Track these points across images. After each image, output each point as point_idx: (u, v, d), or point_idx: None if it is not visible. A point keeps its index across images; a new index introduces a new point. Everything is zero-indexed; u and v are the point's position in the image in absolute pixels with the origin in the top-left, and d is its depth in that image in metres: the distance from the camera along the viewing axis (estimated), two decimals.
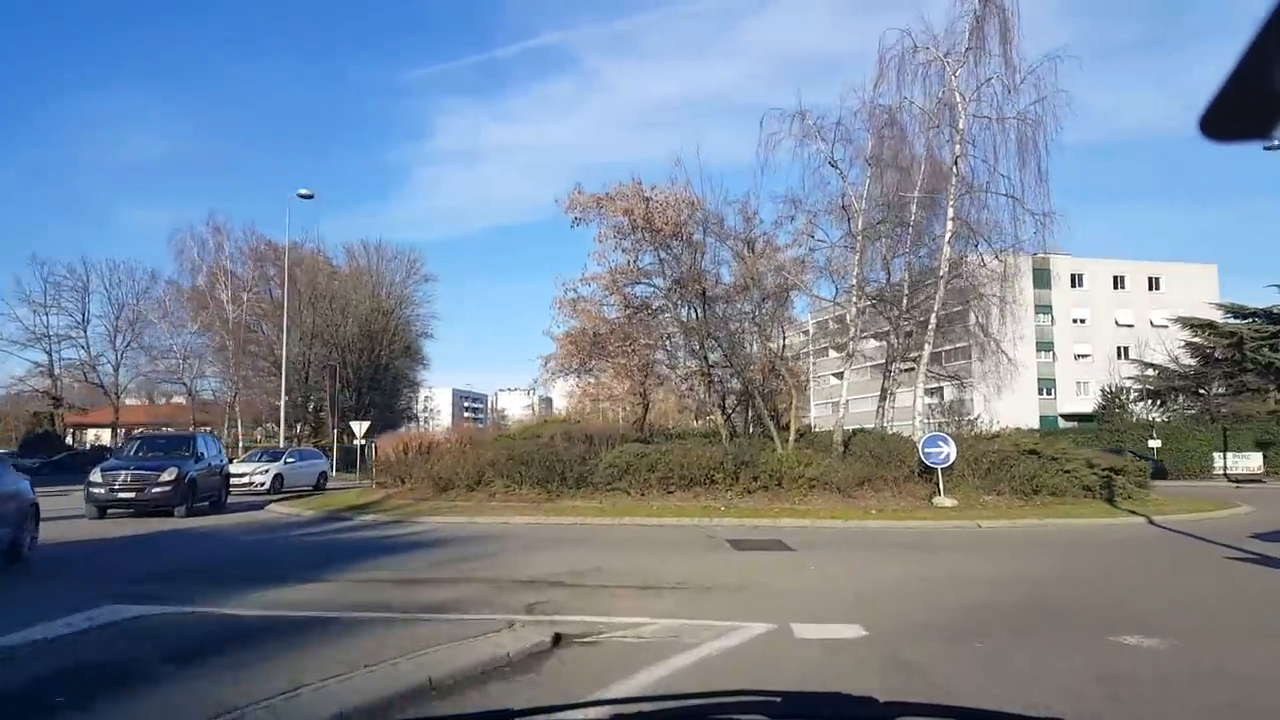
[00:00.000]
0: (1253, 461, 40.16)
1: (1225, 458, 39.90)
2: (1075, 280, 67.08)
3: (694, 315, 23.48)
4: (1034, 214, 20.98)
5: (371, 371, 55.95)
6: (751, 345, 24.96)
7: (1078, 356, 66.45)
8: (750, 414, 25.11)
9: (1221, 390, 45.41)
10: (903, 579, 10.06)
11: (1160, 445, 39.24)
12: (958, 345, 28.21)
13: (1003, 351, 24.62)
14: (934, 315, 21.52)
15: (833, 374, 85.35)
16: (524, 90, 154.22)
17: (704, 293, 22.77)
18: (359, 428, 31.44)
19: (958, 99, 20.78)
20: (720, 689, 1.97)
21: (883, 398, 32.24)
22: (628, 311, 22.75)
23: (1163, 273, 67.95)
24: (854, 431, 27.28)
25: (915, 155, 22.01)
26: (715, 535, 14.63)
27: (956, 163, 20.44)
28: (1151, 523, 17.44)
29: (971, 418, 38.66)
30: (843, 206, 22.22)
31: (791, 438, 23.03)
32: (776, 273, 24.30)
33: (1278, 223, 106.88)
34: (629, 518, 17.22)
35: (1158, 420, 45.60)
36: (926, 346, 21.96)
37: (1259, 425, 40.53)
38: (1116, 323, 66.29)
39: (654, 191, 21.69)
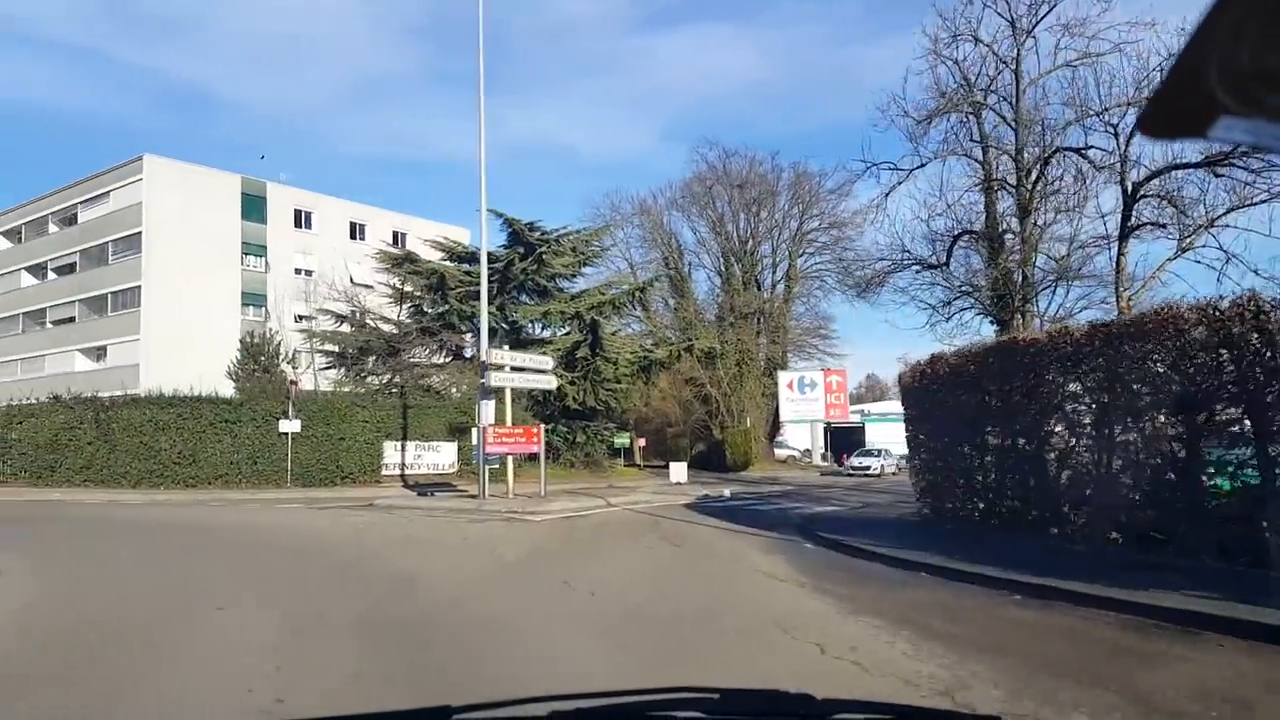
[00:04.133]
0: (443, 456, 27.04)
1: (405, 450, 25.90)
2: (302, 219, 50.76)
3: None
4: None
5: None
6: None
7: (301, 318, 49.98)
8: None
9: (425, 356, 32.25)
10: None
11: (298, 429, 23.10)
12: None
13: None
14: None
15: None
16: None
17: None
18: None
19: None
20: (659, 686, 1.88)
21: None
22: None
23: (411, 228, 55.95)
24: None
25: None
26: None
27: None
28: None
29: None
30: None
31: None
32: None
33: None
34: None
35: (346, 391, 30.14)
36: None
37: (457, 404, 27.60)
38: (353, 280, 51.77)
39: None
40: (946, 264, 29.85)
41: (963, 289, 29.22)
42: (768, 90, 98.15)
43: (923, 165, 29.09)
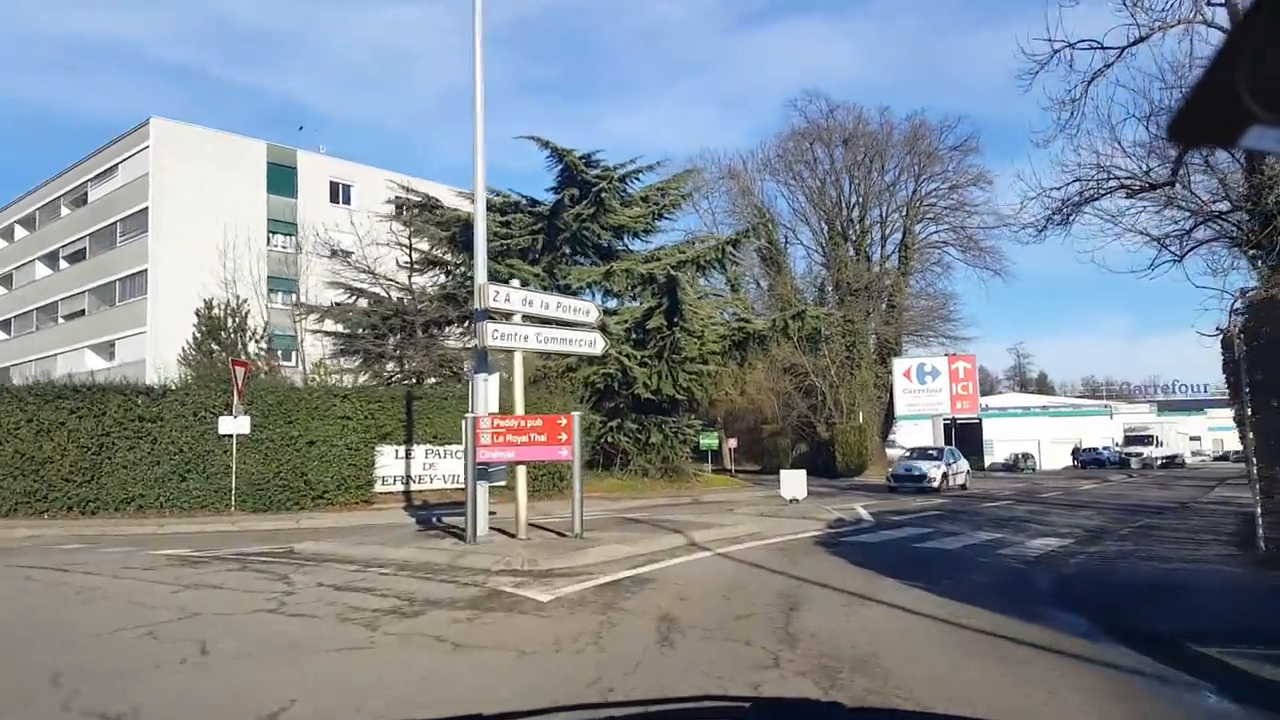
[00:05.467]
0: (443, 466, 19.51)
1: (410, 458, 18.57)
2: (339, 192, 44.52)
3: None
4: None
5: None
6: None
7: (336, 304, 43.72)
8: None
9: (460, 339, 25.12)
10: None
11: (246, 431, 16.04)
12: None
13: None
14: None
15: None
16: None
17: None
18: None
19: None
20: (689, 694, 1.71)
21: None
22: None
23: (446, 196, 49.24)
24: None
25: None
26: None
27: None
28: None
29: None
30: None
31: None
32: None
33: None
34: None
35: (353, 382, 23.15)
36: None
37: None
38: (398, 263, 45.35)
39: None
40: (1173, 181, 20.86)
41: (1213, 211, 20.19)
42: (865, 86, 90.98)
43: (1142, 40, 20.37)
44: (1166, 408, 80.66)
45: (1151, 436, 53.54)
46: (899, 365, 48.36)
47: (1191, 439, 77.92)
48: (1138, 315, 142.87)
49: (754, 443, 46.88)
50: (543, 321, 11.26)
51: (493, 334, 10.49)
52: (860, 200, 49.94)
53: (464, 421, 10.47)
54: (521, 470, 10.79)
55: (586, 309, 11.66)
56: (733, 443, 40.41)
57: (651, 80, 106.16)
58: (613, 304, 25.47)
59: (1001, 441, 60.27)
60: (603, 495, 22.14)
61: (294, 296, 41.46)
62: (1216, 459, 77.50)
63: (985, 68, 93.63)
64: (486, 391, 11.03)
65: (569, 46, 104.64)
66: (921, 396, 48.99)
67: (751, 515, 17.04)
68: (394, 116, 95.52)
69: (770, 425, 45.25)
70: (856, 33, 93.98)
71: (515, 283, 11.89)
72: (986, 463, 55.64)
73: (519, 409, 10.77)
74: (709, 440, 34.30)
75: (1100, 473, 44.19)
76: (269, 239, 41.25)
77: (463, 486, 19.06)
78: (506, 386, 11.22)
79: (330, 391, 17.48)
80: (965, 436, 56.90)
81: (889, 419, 49.22)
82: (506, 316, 10.88)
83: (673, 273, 22.00)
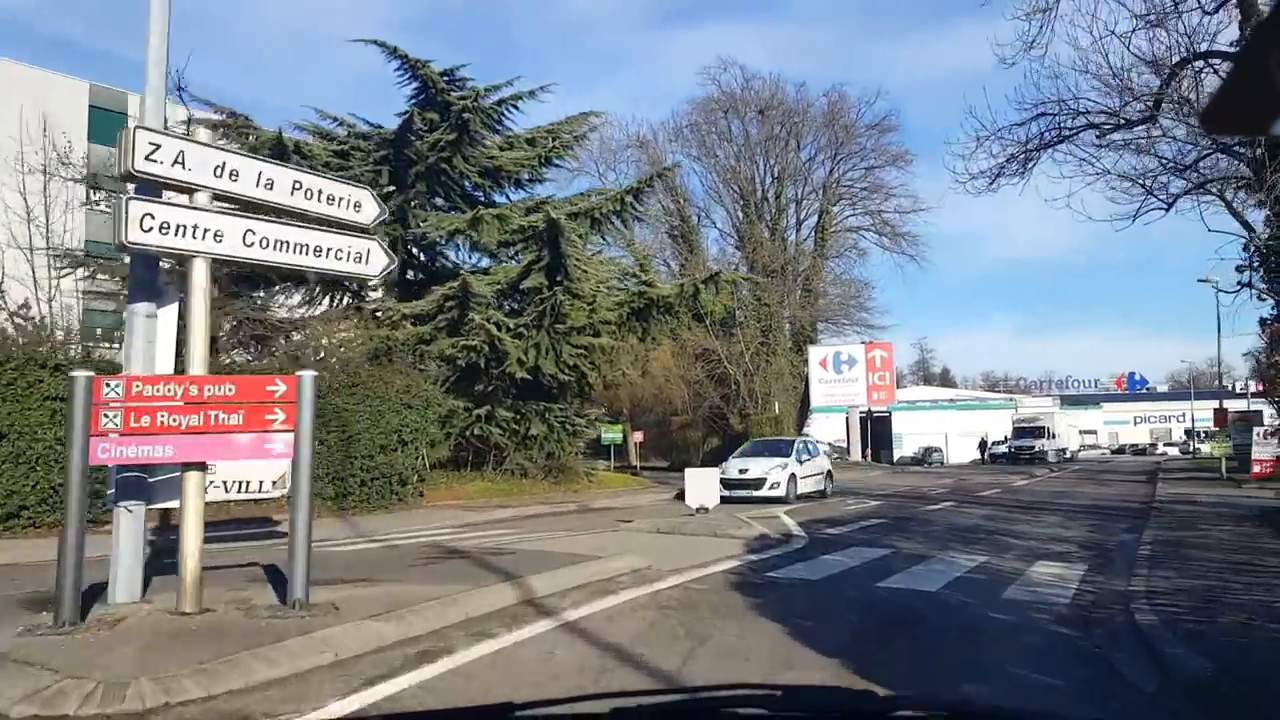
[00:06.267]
0: (259, 467, 14.43)
1: None
2: None
3: None
4: None
5: None
6: None
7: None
8: None
9: (305, 308, 19.75)
10: None
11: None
12: None
13: None
14: None
15: None
16: None
17: None
18: None
19: None
20: (722, 683, 1.71)
21: None
22: None
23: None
24: None
25: None
26: None
27: None
28: None
29: None
30: None
31: None
32: None
33: None
34: None
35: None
36: None
37: (293, 353, 15.15)
38: None
39: None
40: (1155, 116, 17.30)
41: (1215, 147, 16.58)
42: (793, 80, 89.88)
43: None
44: (1068, 401, 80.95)
45: (1042, 429, 51.37)
46: (815, 353, 44.97)
47: (1084, 432, 78.03)
48: (1031, 311, 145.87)
49: (662, 436, 42.61)
50: (264, 211, 6.34)
51: (145, 222, 5.53)
52: (776, 179, 46.23)
53: (77, 381, 5.42)
54: (193, 479, 5.86)
55: (354, 199, 6.77)
56: (638, 436, 36.02)
57: (572, 73, 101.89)
58: (485, 262, 20.52)
59: (910, 435, 58.48)
60: (461, 504, 17.22)
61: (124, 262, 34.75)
62: (1114, 452, 78.11)
63: (916, 69, 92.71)
64: (153, 336, 6.05)
65: (487, 35, 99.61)
66: (838, 386, 45.79)
67: (645, 532, 12.48)
68: (300, 102, 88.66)
69: (680, 417, 40.99)
70: (779, 37, 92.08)
71: (204, 133, 6.80)
72: (895, 456, 53.16)
73: (196, 366, 5.84)
74: (612, 434, 29.75)
75: (1019, 468, 41.51)
76: (88, 194, 34.41)
77: (253, 496, 13.78)
78: (185, 309, 6.23)
79: (33, 360, 11.92)
80: (877, 430, 54.38)
81: (804, 410, 45.65)
82: (188, 194, 5.93)
83: (554, 216, 17.16)
